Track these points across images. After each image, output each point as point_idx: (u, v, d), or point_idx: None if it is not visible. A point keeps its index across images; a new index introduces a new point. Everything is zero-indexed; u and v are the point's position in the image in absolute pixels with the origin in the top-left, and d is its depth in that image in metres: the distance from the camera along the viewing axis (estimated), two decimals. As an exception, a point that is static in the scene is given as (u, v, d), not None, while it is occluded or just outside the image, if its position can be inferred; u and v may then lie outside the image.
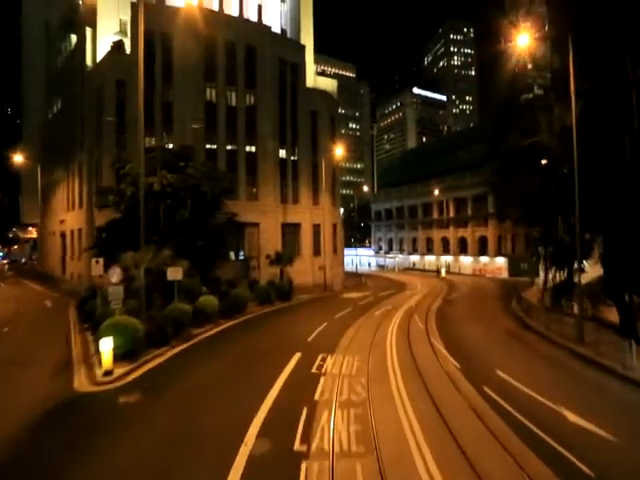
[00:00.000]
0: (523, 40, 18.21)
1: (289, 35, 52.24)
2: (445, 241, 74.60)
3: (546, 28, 19.36)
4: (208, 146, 39.85)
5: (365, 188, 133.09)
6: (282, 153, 44.63)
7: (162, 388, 12.53)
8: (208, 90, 40.75)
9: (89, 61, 40.74)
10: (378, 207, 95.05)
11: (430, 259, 76.86)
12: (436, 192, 72.52)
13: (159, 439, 9.27)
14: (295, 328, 22.59)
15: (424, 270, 74.23)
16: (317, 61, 61.70)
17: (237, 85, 41.81)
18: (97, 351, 14.23)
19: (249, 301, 27.79)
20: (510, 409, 10.62)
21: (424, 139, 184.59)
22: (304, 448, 8.50)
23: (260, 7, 48.13)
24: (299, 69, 46.38)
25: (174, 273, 19.79)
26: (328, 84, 56.89)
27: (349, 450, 8.48)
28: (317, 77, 56.99)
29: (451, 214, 72.78)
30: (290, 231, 44.63)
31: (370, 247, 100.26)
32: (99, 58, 39.67)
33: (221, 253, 31.40)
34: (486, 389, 12.08)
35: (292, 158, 45.46)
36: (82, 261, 37.35)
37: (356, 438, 8.94)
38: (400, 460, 8.15)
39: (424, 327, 22.49)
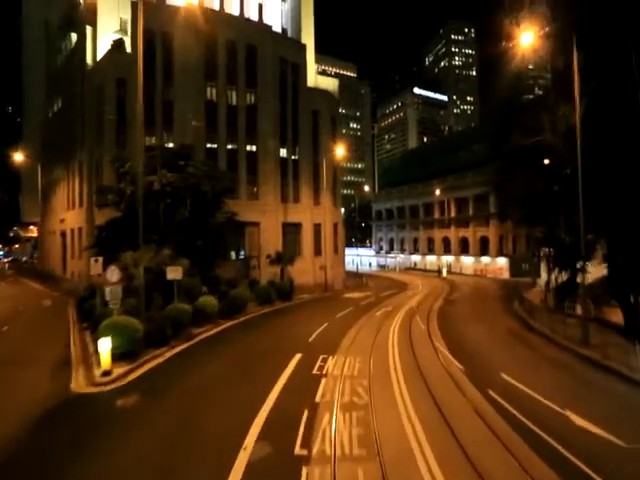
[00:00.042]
0: (526, 39, 18.00)
1: (290, 34, 52.05)
2: (446, 241, 74.41)
3: (546, 29, 19.06)
4: (209, 145, 39.70)
5: (366, 188, 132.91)
6: (283, 152, 44.46)
7: (161, 389, 12.34)
8: (209, 89, 40.61)
9: (89, 60, 40.54)
10: (379, 207, 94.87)
11: (431, 259, 76.67)
12: (437, 192, 72.30)
13: (157, 442, 9.08)
14: (296, 328, 22.40)
15: (425, 270, 74.05)
16: (318, 61, 61.45)
17: (238, 84, 41.65)
18: (96, 351, 14.08)
19: (249, 301, 27.61)
20: (515, 412, 10.41)
21: (425, 139, 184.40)
22: (305, 452, 8.30)
23: (261, 6, 47.97)
24: (300, 68, 46.19)
25: (174, 272, 19.62)
26: (329, 83, 56.69)
27: (351, 454, 8.28)
28: (318, 76, 56.79)
29: (452, 214, 72.59)
30: (291, 231, 44.45)
31: (371, 247, 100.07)
32: (99, 57, 39.49)
33: (221, 253, 31.23)
34: (491, 392, 11.86)
35: (293, 157, 45.28)
36: (82, 260, 37.16)
37: (358, 442, 8.74)
38: (403, 465, 7.96)
39: (426, 328, 22.29)
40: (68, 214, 46.23)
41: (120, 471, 7.91)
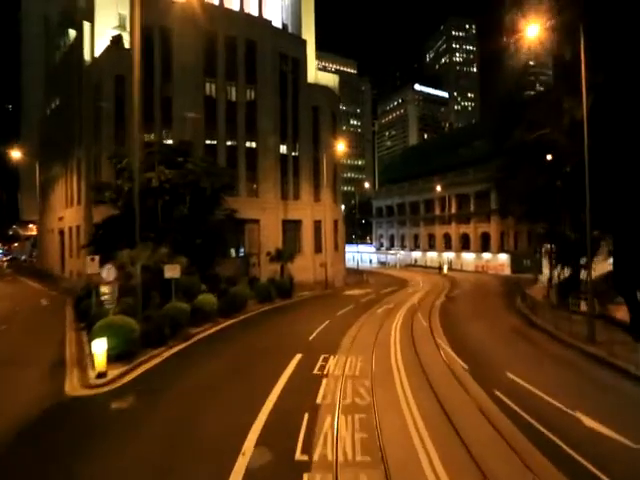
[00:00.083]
0: (532, 31, 17.58)
1: (290, 30, 51.61)
2: (447, 237, 74.09)
3: (552, 21, 18.63)
4: (208, 142, 39.31)
5: (366, 185, 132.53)
6: (283, 149, 44.08)
7: (157, 391, 12.01)
8: (208, 85, 40.19)
9: (87, 56, 40.06)
10: (379, 203, 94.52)
11: (432, 256, 76.34)
12: (438, 188, 71.91)
13: (152, 447, 8.73)
14: (296, 327, 22.11)
15: (426, 267, 73.75)
16: (318, 57, 61.02)
17: (237, 80, 41.22)
18: (91, 352, 13.72)
19: (249, 299, 27.29)
20: (524, 414, 10.08)
21: (425, 136, 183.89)
22: (306, 458, 7.97)
23: (260, 1, 47.48)
24: (300, 64, 45.73)
25: (172, 271, 19.28)
26: (329, 80, 56.24)
27: (354, 460, 7.95)
28: (318, 72, 56.34)
29: (453, 210, 72.25)
30: (291, 228, 44.13)
31: (371, 244, 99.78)
32: (98, 53, 39.05)
33: (220, 250, 30.91)
34: (497, 393, 11.52)
35: (293, 154, 44.90)
36: (81, 259, 36.82)
37: (361, 446, 8.41)
38: (408, 471, 7.63)
39: (428, 325, 21.99)
40: (66, 212, 45.90)
41: (115, 477, 7.61)
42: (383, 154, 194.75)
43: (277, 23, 48.49)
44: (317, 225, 45.51)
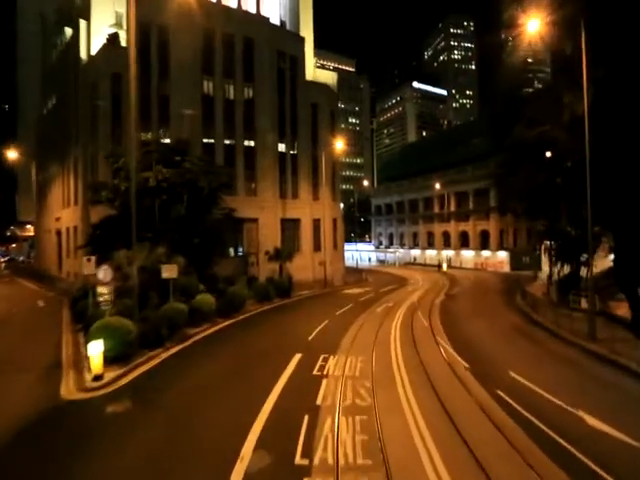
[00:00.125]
0: (532, 26, 17.38)
1: (288, 27, 51.31)
2: (446, 235, 73.97)
3: (552, 16, 18.43)
4: (205, 140, 39.04)
5: (365, 183, 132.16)
6: (281, 147, 43.87)
7: (154, 394, 11.80)
8: (205, 83, 39.93)
9: (84, 54, 39.75)
10: (378, 202, 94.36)
11: (431, 253, 76.25)
12: (437, 186, 71.76)
13: (148, 454, 8.49)
14: (295, 326, 21.92)
15: (425, 265, 73.64)
16: (316, 55, 60.76)
17: (235, 78, 40.98)
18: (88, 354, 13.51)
19: (247, 299, 27.07)
20: (527, 415, 9.90)
21: (424, 133, 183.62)
22: (306, 462, 7.78)
23: (258, -2, 47.21)
24: (298, 61, 45.49)
25: (169, 271, 19.05)
26: (328, 77, 56.02)
27: (355, 463, 7.76)
28: (317, 70, 56.11)
29: (452, 208, 72.11)
30: (289, 226, 43.93)
31: (370, 242, 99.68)
32: (94, 51, 38.74)
33: (219, 250, 30.69)
34: (500, 393, 11.34)
35: (291, 152, 44.68)
36: (78, 259, 36.45)
37: (362, 449, 8.23)
38: (411, 475, 7.46)
39: (428, 324, 21.82)
40: (63, 212, 45.62)
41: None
42: (382, 152, 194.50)
43: (275, 20, 48.20)
44: (316, 224, 45.32)
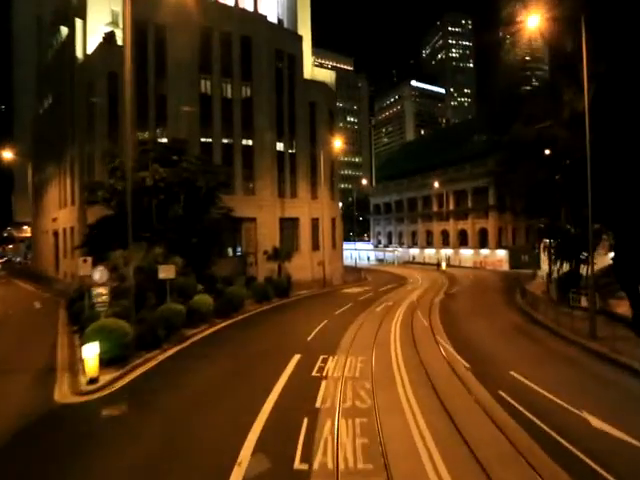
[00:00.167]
0: (532, 21, 17.21)
1: (286, 26, 51.07)
2: (445, 234, 73.83)
3: (549, 13, 18.26)
4: (203, 139, 38.81)
5: (364, 182, 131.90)
6: (279, 146, 43.65)
7: (150, 397, 11.60)
8: (203, 82, 39.69)
9: (80, 54, 39.50)
10: (377, 200, 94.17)
11: (430, 252, 76.11)
12: (436, 184, 71.62)
13: (144, 461, 8.25)
14: (294, 327, 21.75)
15: (424, 263, 73.49)
16: (314, 54, 60.51)
17: (233, 76, 40.72)
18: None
19: (246, 299, 26.85)
20: (530, 416, 9.73)
21: (422, 132, 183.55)
22: (305, 467, 7.60)
23: (255, -4, 46.95)
24: (296, 60, 45.25)
25: (166, 271, 18.84)
26: (326, 76, 55.76)
27: (355, 467, 7.59)
28: (315, 69, 55.85)
29: (451, 207, 71.97)
30: (288, 226, 43.73)
31: (369, 241, 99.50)
32: (91, 50, 38.46)
33: (217, 250, 30.50)
34: (502, 394, 11.17)
35: (290, 151, 44.47)
36: (75, 260, 36.26)
37: (363, 453, 8.05)
38: (412, 479, 7.30)
39: (428, 323, 21.66)
40: (60, 213, 45.35)
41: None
42: (380, 151, 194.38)
43: (273, 18, 47.97)
44: (314, 223, 45.13)
